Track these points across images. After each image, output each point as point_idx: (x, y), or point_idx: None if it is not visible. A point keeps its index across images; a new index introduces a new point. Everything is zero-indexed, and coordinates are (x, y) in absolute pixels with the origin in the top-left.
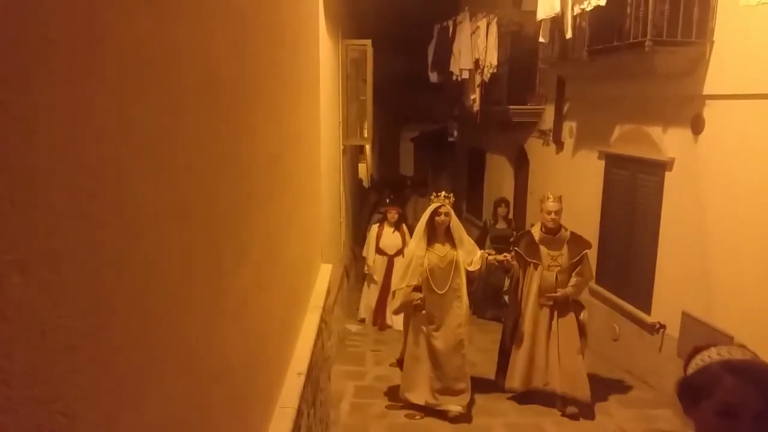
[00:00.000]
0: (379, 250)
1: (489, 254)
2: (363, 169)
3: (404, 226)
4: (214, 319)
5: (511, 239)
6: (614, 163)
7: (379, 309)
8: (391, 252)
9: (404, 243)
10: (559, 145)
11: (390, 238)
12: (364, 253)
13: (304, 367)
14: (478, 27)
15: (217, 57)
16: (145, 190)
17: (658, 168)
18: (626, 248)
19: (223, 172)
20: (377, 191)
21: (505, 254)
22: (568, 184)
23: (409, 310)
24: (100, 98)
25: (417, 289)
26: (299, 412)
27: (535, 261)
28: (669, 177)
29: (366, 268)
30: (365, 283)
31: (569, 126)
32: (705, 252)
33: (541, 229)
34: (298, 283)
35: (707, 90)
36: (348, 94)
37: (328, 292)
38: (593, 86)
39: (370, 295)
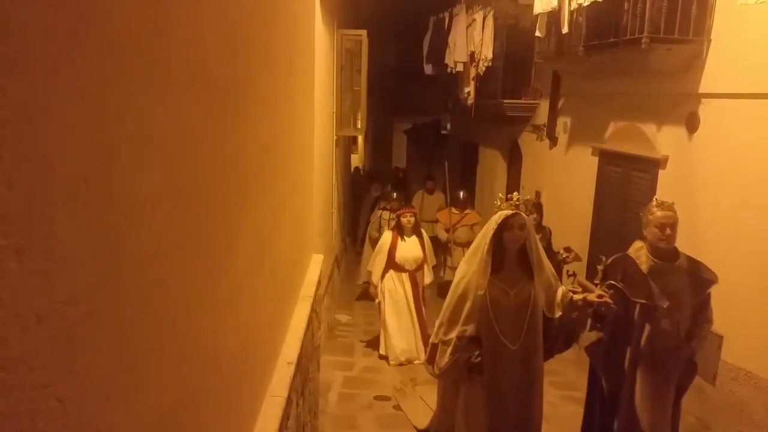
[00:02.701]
0: (395, 266)
1: (573, 291)
2: (355, 160)
3: (423, 231)
4: (206, 308)
5: (600, 266)
6: (608, 159)
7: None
8: (412, 266)
9: (425, 253)
10: (553, 140)
11: (408, 248)
12: (369, 267)
13: (294, 357)
14: (474, 19)
15: (211, 45)
16: (139, 178)
17: (652, 165)
18: (617, 246)
19: (215, 161)
20: (380, 184)
21: (601, 293)
22: (561, 179)
23: (461, 373)
24: (95, 85)
25: (474, 340)
26: (289, 401)
27: (646, 302)
28: (662, 175)
29: (371, 288)
30: (379, 312)
31: (563, 121)
32: (695, 251)
33: (648, 253)
34: (290, 273)
35: (703, 88)
36: (342, 85)
37: (319, 282)
38: (589, 82)
39: (400, 329)
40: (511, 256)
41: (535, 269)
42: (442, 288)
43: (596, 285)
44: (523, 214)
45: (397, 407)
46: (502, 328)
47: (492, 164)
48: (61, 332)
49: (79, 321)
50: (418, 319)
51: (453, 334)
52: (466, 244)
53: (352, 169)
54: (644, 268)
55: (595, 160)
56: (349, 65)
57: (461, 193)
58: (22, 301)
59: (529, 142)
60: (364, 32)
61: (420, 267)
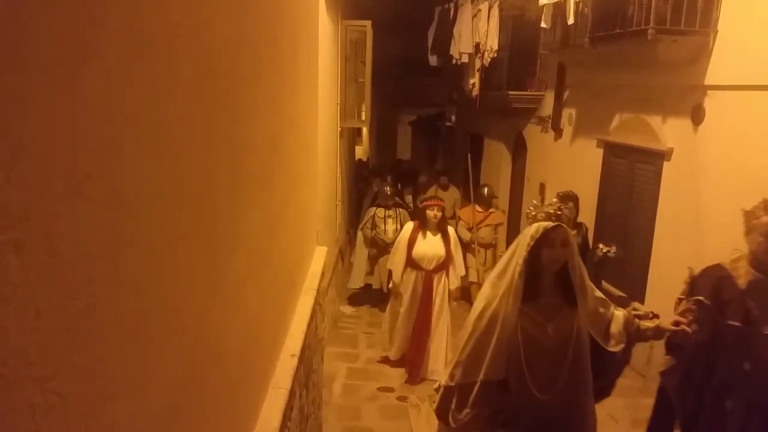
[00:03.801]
0: (410, 262)
1: (635, 312)
2: (360, 152)
3: (450, 229)
4: (211, 301)
5: (687, 279)
6: (613, 151)
7: (416, 354)
8: (430, 265)
9: (449, 252)
10: (558, 132)
11: (429, 244)
12: (389, 265)
13: (297, 349)
14: (479, 10)
15: (215, 37)
16: (143, 172)
17: (657, 157)
18: (622, 237)
19: (220, 154)
20: (380, 177)
21: (678, 319)
22: (566, 171)
23: (484, 429)
24: (99, 78)
25: (502, 386)
26: (292, 393)
27: (742, 326)
28: (667, 167)
29: (390, 284)
30: (388, 305)
31: (569, 113)
32: (700, 243)
33: (749, 265)
34: (294, 265)
35: (709, 80)
36: (346, 76)
37: (323, 274)
38: (594, 73)
39: (399, 326)
40: (547, 279)
41: (579, 295)
42: (463, 291)
43: (680, 300)
44: (566, 227)
45: (402, 398)
46: (534, 370)
47: (497, 156)
48: (61, 326)
49: (80, 315)
50: (415, 327)
51: (475, 377)
52: (489, 245)
53: (357, 161)
54: (742, 283)
55: (600, 152)
56: (354, 56)
57: (485, 190)
58: (21, 295)
59: (533, 134)
60: (368, 23)
61: (440, 267)
